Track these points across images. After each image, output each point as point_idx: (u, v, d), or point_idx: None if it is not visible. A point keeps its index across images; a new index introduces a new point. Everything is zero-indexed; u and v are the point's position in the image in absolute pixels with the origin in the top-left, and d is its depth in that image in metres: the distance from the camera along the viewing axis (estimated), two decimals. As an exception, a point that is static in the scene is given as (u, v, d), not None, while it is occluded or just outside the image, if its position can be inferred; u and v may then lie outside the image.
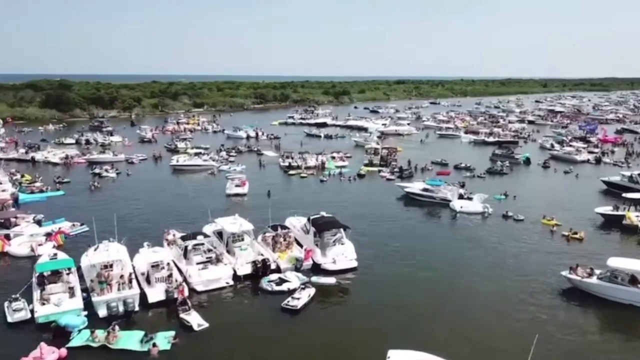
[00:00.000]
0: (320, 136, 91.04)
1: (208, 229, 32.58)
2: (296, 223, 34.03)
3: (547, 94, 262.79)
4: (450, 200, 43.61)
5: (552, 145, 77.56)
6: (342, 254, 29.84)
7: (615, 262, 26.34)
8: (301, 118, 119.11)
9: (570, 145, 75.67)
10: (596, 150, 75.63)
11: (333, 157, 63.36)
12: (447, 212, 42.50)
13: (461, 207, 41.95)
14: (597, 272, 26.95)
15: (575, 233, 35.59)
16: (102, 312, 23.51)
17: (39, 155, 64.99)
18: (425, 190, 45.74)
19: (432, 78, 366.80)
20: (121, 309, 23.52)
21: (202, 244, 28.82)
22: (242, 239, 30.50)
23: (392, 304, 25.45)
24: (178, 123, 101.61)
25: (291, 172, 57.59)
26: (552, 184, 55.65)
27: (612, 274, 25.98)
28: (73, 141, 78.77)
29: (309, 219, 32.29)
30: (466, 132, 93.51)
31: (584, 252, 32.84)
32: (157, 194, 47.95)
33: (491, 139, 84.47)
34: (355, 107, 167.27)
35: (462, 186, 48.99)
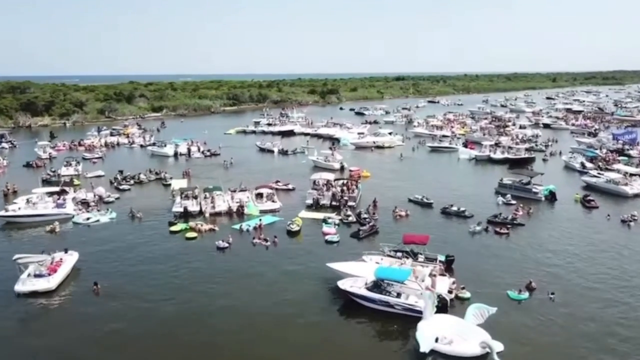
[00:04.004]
0: (273, 151, 69.89)
1: None
2: None
3: (557, 89, 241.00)
4: (421, 313, 22.36)
5: (583, 166, 55.49)
6: None
7: None
8: (268, 124, 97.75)
9: (610, 167, 53.61)
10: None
11: (259, 195, 42.03)
12: (412, 346, 21.31)
13: (437, 339, 20.58)
14: None
15: None
16: None
17: None
18: (374, 288, 24.15)
19: (434, 74, 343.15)
20: None
21: None
22: None
23: None
24: (100, 134, 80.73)
25: (174, 228, 35.59)
26: (600, 249, 32.23)
27: None
28: None
29: None
30: (465, 144, 71.43)
31: None
32: None
33: (498, 155, 62.80)
34: (341, 109, 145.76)
35: (449, 264, 27.81)
